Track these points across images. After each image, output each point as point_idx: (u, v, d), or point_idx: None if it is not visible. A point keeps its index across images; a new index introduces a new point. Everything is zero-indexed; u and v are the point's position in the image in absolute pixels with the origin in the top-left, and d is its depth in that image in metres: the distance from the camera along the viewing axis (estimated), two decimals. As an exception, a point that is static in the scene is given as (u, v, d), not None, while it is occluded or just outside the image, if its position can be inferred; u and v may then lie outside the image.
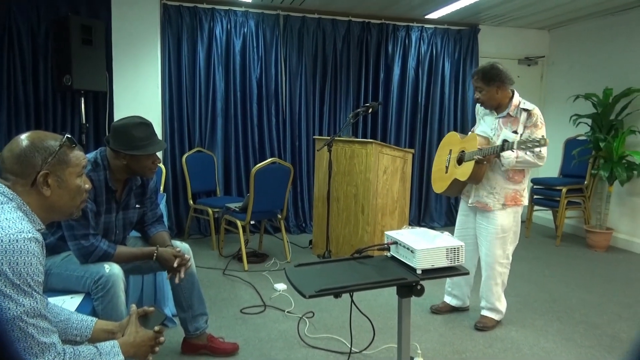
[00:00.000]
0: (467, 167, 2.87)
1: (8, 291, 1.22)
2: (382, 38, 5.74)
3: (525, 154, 2.71)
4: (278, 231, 5.34)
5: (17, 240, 1.25)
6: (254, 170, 4.07)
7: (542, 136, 2.64)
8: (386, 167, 4.22)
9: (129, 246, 2.48)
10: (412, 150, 4.51)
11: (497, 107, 2.90)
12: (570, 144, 5.61)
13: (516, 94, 2.89)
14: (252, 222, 4.27)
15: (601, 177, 4.94)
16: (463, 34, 5.97)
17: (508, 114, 2.86)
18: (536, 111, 2.81)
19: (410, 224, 5.00)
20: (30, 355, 1.25)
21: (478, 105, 3.03)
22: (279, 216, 4.45)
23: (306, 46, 5.50)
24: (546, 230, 6.00)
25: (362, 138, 5.60)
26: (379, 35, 5.74)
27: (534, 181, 5.62)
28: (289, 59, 5.51)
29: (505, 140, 2.76)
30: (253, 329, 3.09)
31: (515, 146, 2.61)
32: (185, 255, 2.44)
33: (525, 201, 2.93)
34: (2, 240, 1.24)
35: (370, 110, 4.13)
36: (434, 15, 5.61)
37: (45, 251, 1.37)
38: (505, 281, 3.08)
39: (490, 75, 2.81)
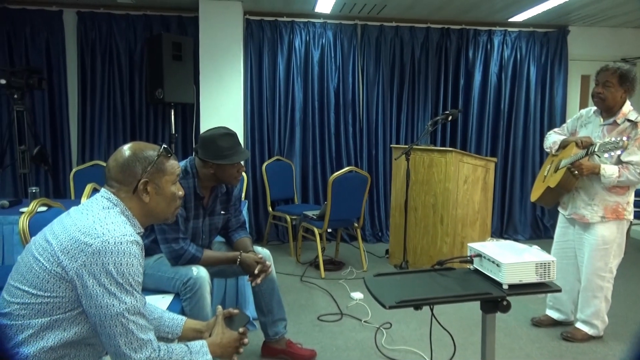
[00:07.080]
0: (559, 174, 2.87)
1: (113, 289, 1.34)
2: (462, 44, 5.71)
3: (629, 172, 2.65)
4: (354, 240, 5.42)
5: (121, 243, 1.37)
6: (331, 178, 4.19)
7: (621, 138, 2.54)
8: (467, 177, 4.20)
9: (214, 250, 2.59)
10: (495, 159, 4.46)
11: (608, 110, 2.83)
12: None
13: (628, 102, 2.82)
14: (329, 230, 4.37)
15: None
16: (550, 37, 5.81)
17: (615, 121, 2.79)
18: None
19: (492, 236, 5.01)
20: (129, 349, 1.36)
21: (583, 111, 2.98)
22: (356, 225, 4.56)
23: (384, 55, 5.58)
24: (646, 246, 5.52)
25: (441, 146, 5.60)
26: (459, 40, 5.72)
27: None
28: (366, 68, 5.60)
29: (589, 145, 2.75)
30: (330, 336, 3.14)
31: (597, 149, 2.57)
32: (267, 262, 2.54)
33: (631, 216, 2.79)
34: (108, 242, 1.36)
35: (450, 117, 4.15)
36: (519, 18, 5.52)
37: (144, 253, 1.47)
38: (608, 297, 2.96)
39: (628, 76, 2.74)
